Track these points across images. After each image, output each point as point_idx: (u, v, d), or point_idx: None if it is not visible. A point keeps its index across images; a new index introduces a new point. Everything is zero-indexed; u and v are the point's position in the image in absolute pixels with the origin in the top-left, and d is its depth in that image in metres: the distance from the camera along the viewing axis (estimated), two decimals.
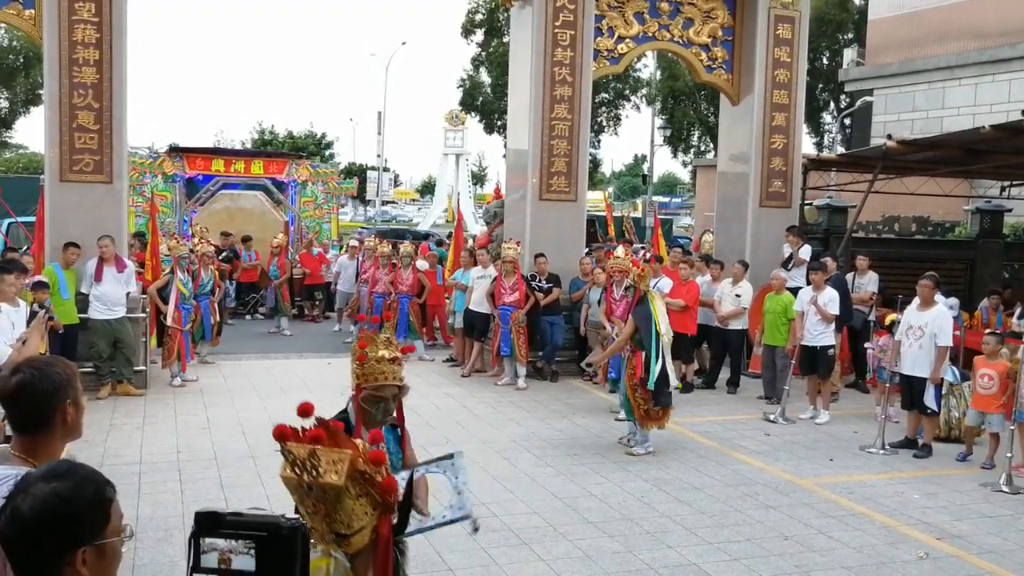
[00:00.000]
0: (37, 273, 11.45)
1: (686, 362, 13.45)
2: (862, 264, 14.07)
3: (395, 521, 3.49)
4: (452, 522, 3.89)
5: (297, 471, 3.18)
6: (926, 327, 10.18)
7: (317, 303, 20.39)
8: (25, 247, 15.43)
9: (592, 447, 10.13)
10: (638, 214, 43.82)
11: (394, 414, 4.25)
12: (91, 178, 12.48)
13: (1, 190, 16.77)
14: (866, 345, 12.74)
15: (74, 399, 3.10)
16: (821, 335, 11.80)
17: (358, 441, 3.41)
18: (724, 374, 13.76)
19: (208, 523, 2.20)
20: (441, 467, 3.91)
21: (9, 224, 18.88)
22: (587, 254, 15.05)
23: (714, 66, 15.72)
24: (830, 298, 11.78)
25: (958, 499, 8.72)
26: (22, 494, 2.23)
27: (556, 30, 14.12)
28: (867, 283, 13.88)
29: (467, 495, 3.90)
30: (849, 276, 13.86)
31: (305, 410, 3.43)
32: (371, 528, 3.33)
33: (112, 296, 11.95)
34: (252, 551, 2.16)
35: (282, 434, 3.23)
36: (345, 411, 4.18)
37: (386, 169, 61.97)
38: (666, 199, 78.39)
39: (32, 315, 7.91)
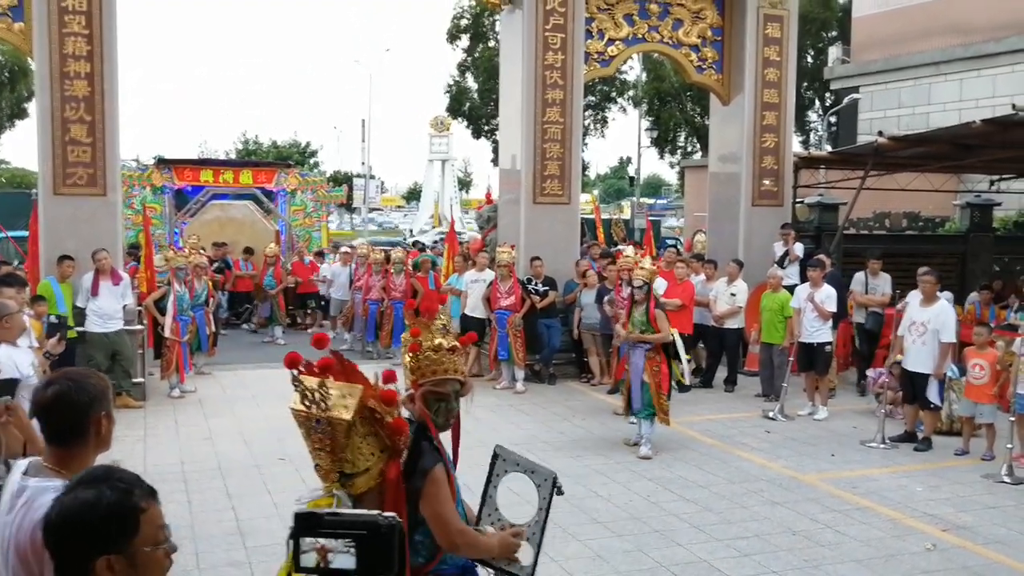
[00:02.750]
0: (32, 288, 11.42)
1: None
2: (875, 266, 13.70)
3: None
4: (552, 494, 3.93)
5: (306, 403, 3.10)
6: (928, 323, 10.23)
7: (310, 311, 20.37)
8: (17, 262, 15.37)
9: (594, 448, 10.16)
10: (626, 216, 43.89)
11: (456, 416, 3.82)
12: (85, 191, 12.47)
13: None
14: (867, 373, 12.76)
15: (108, 411, 3.12)
16: (818, 332, 11.87)
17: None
18: (721, 373, 13.82)
19: (307, 523, 2.23)
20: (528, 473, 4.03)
21: None
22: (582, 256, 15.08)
23: (704, 66, 15.77)
24: (827, 295, 11.84)
25: (961, 491, 8.78)
26: (57, 500, 2.29)
27: (547, 33, 14.16)
28: (881, 284, 13.54)
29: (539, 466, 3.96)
30: (860, 276, 13.69)
31: (320, 339, 3.35)
32: (377, 470, 3.24)
33: (109, 309, 11.94)
34: (352, 550, 2.19)
35: (292, 361, 3.15)
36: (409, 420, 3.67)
37: (372, 176, 61.98)
38: (651, 200, 78.40)
39: (51, 327, 7.91)
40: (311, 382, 3.11)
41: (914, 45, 27.36)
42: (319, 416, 3.10)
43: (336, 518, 2.25)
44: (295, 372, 3.16)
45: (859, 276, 13.73)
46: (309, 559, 2.23)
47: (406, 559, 2.31)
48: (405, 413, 3.66)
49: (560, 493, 4.02)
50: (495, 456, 4.02)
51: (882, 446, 10.33)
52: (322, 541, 2.21)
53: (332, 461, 3.18)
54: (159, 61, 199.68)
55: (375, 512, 2.29)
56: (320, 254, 21.10)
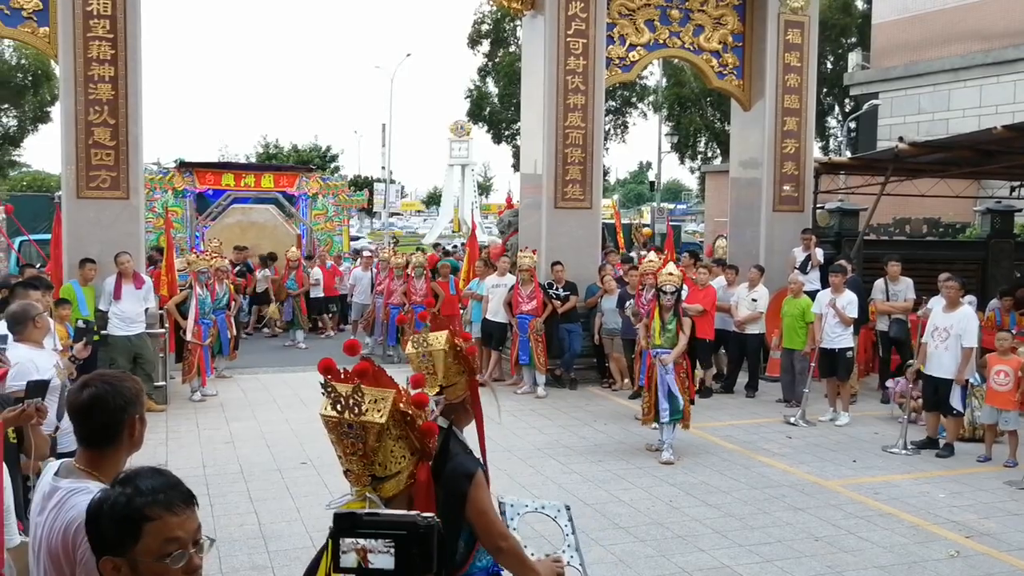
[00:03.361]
0: (56, 292, 11.49)
1: (704, 367, 13.50)
2: (894, 270, 13.33)
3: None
4: (571, 519, 4.41)
5: (338, 409, 3.15)
6: (951, 328, 10.20)
7: (331, 315, 20.44)
8: (39, 264, 15.48)
9: (616, 453, 10.16)
10: (646, 221, 43.84)
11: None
12: (108, 194, 12.55)
13: (13, 208, 16.82)
14: (887, 383, 12.70)
15: (141, 414, 3.15)
16: (839, 337, 11.83)
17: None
18: (742, 378, 13.78)
19: (347, 524, 2.25)
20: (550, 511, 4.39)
21: (21, 242, 18.93)
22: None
23: (725, 72, 15.76)
24: (848, 301, 11.80)
25: (983, 497, 8.73)
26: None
27: (568, 39, 14.18)
28: (904, 290, 13.21)
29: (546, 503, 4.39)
30: (880, 284, 13.47)
31: (352, 346, 3.45)
32: (408, 473, 3.30)
33: (131, 312, 11.98)
34: (391, 550, 2.21)
35: (327, 368, 3.19)
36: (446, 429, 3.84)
37: (392, 181, 62.13)
38: (671, 205, 78.42)
39: (79, 331, 7.98)
40: (344, 388, 3.15)
41: (934, 51, 27.28)
42: (352, 421, 3.14)
43: (375, 518, 2.26)
44: (327, 379, 3.19)
45: (879, 283, 13.51)
46: (349, 559, 2.24)
47: (446, 559, 2.33)
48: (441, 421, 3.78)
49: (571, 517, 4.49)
50: (501, 505, 4.31)
51: (904, 452, 10.29)
52: (361, 541, 2.22)
53: (364, 466, 3.23)
54: (178, 64, 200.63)
55: (414, 512, 2.31)
56: (309, 258, 21.00)
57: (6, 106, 44.89)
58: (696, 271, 13.74)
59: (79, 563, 2.80)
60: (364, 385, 3.15)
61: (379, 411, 3.13)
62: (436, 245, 31.31)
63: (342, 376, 3.19)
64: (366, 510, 2.45)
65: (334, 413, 3.16)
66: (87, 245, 12.35)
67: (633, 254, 19.23)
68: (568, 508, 4.49)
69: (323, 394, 3.19)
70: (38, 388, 5.09)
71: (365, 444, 3.18)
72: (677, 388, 9.85)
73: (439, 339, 3.86)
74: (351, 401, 3.13)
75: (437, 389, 3.83)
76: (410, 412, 3.25)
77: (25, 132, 46.52)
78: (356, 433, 3.17)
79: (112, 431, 3.06)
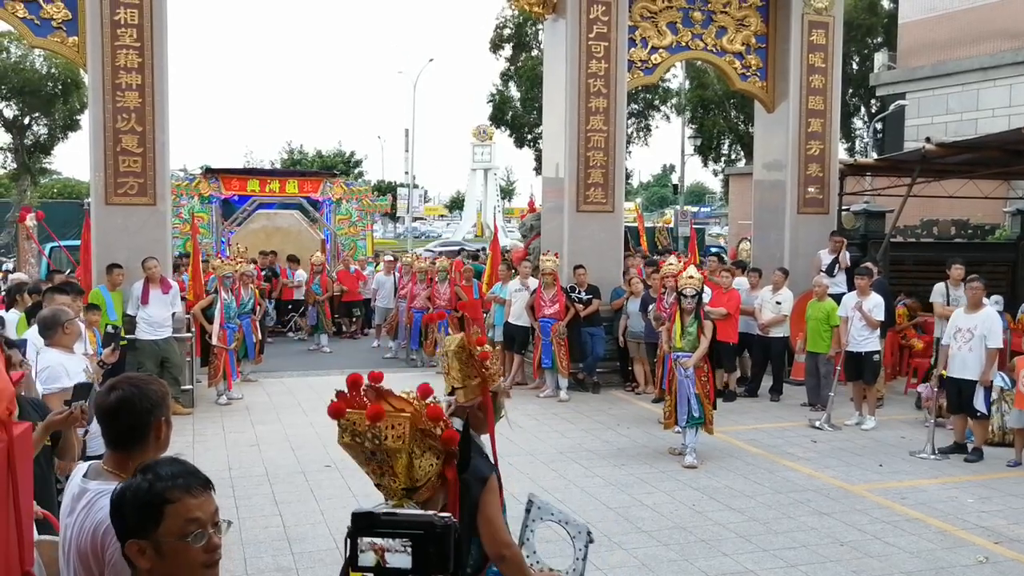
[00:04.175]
0: (84, 296, 11.59)
1: (728, 370, 13.47)
2: (957, 273, 12.58)
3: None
4: (587, 545, 4.38)
5: (358, 440, 3.19)
6: (975, 329, 10.12)
7: (355, 320, 20.52)
8: (69, 270, 15.63)
9: (639, 457, 10.14)
10: (669, 224, 43.70)
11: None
12: (136, 200, 12.69)
13: (44, 215, 16.99)
14: (919, 388, 12.58)
15: (167, 416, 3.20)
16: (866, 341, 11.74)
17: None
18: (766, 382, 13.72)
19: (364, 523, 2.28)
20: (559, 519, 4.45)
21: (52, 248, 19.14)
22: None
23: (748, 74, 15.71)
24: (875, 304, 11.71)
25: (1013, 503, 8.64)
26: None
27: (590, 42, 14.18)
28: (964, 297, 12.23)
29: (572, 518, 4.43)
30: (940, 287, 12.85)
31: (354, 381, 3.39)
32: (435, 475, 3.37)
33: (158, 317, 12.11)
34: (408, 549, 2.23)
35: (337, 411, 3.22)
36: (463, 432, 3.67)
37: (415, 186, 62.27)
38: (695, 208, 78.27)
39: (107, 336, 8.06)
40: (362, 424, 3.19)
41: (962, 50, 27.05)
42: (374, 449, 3.20)
43: (392, 518, 2.29)
44: (340, 421, 3.24)
45: (939, 287, 12.92)
46: (367, 559, 2.27)
47: (462, 560, 2.35)
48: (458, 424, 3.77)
49: (591, 541, 4.43)
50: (529, 503, 4.37)
51: (932, 457, 10.20)
52: (379, 541, 2.25)
53: (394, 482, 3.30)
54: (204, 71, 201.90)
55: (431, 512, 2.34)
56: (295, 260, 20.92)
57: (37, 114, 45.29)
58: (719, 275, 13.72)
59: (108, 564, 2.84)
60: (381, 421, 3.19)
61: (399, 437, 3.19)
62: (460, 250, 31.37)
63: (355, 404, 3.23)
64: (384, 509, 2.48)
65: (354, 442, 3.23)
66: (115, 251, 12.48)
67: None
68: (589, 532, 4.44)
69: (340, 428, 3.25)
70: (83, 390, 5.17)
71: (392, 465, 3.25)
72: (695, 392, 9.83)
73: (453, 341, 3.93)
74: (370, 434, 3.19)
75: (449, 389, 3.92)
76: (428, 427, 3.30)
77: (55, 140, 46.92)
78: (380, 458, 3.24)
79: (139, 433, 3.11)
